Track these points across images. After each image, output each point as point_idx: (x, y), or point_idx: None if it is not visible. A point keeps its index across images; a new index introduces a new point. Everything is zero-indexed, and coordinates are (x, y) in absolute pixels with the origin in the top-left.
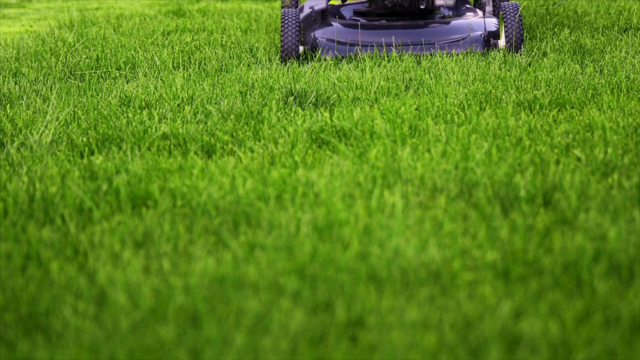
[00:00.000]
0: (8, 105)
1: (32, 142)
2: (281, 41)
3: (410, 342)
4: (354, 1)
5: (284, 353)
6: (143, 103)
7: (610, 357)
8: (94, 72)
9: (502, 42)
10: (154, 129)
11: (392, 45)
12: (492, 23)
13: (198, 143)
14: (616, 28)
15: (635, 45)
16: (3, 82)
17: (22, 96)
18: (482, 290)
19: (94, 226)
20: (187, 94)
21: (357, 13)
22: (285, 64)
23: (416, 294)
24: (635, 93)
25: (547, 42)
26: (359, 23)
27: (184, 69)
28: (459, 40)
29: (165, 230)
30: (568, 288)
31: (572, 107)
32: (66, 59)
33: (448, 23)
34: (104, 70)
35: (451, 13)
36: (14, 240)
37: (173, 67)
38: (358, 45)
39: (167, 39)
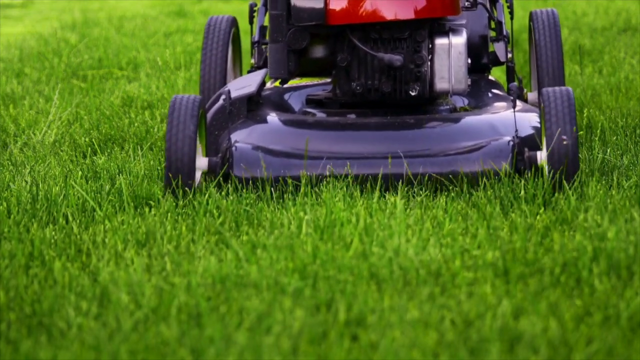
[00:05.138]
0: (11, 106)
1: (35, 142)
2: (166, 154)
3: (411, 341)
4: (309, 81)
5: (285, 352)
6: (145, 103)
7: (609, 355)
8: (97, 73)
9: (542, 154)
10: (156, 129)
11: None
12: (528, 121)
13: None
14: (615, 29)
15: (634, 46)
16: (6, 82)
17: (25, 96)
18: (482, 289)
19: (97, 226)
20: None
21: (311, 102)
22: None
23: (417, 293)
24: (634, 93)
25: None
26: (311, 119)
27: (185, 69)
28: (471, 152)
29: (167, 229)
30: (568, 287)
31: None
32: (69, 59)
33: (456, 120)
34: (106, 70)
35: (466, 102)
36: (17, 240)
37: (175, 67)
38: (304, 157)
39: (169, 39)
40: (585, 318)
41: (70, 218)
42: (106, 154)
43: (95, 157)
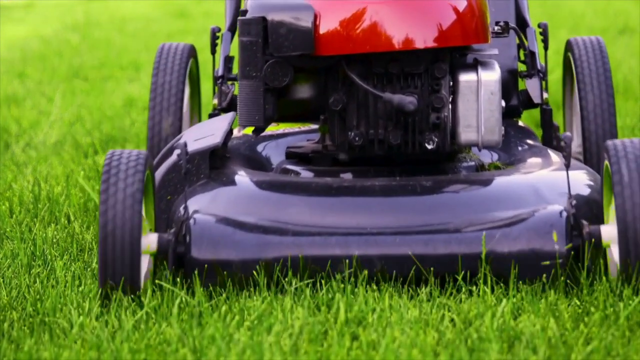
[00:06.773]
0: (13, 106)
1: (37, 142)
2: (100, 229)
3: (411, 340)
4: (288, 128)
5: (286, 351)
6: (146, 104)
7: (608, 354)
8: (98, 73)
9: (610, 230)
10: None
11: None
12: (584, 182)
13: None
14: (613, 30)
15: (632, 47)
16: (9, 83)
17: (27, 97)
18: (481, 288)
19: (98, 225)
20: None
21: (293, 156)
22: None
23: (417, 293)
24: (632, 94)
25: None
26: (296, 180)
27: None
28: (510, 225)
29: None
30: (567, 286)
31: None
32: (70, 60)
33: (488, 183)
34: (108, 71)
35: (495, 158)
36: (19, 240)
37: None
38: (287, 232)
39: (170, 40)
40: (584, 317)
41: (72, 218)
42: None
43: (96, 157)
